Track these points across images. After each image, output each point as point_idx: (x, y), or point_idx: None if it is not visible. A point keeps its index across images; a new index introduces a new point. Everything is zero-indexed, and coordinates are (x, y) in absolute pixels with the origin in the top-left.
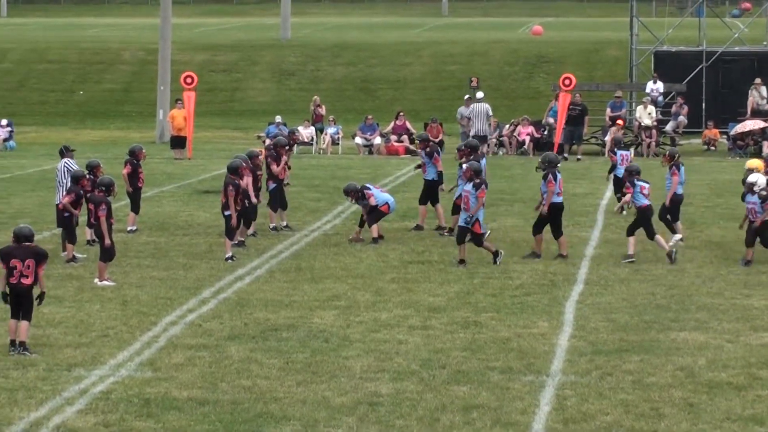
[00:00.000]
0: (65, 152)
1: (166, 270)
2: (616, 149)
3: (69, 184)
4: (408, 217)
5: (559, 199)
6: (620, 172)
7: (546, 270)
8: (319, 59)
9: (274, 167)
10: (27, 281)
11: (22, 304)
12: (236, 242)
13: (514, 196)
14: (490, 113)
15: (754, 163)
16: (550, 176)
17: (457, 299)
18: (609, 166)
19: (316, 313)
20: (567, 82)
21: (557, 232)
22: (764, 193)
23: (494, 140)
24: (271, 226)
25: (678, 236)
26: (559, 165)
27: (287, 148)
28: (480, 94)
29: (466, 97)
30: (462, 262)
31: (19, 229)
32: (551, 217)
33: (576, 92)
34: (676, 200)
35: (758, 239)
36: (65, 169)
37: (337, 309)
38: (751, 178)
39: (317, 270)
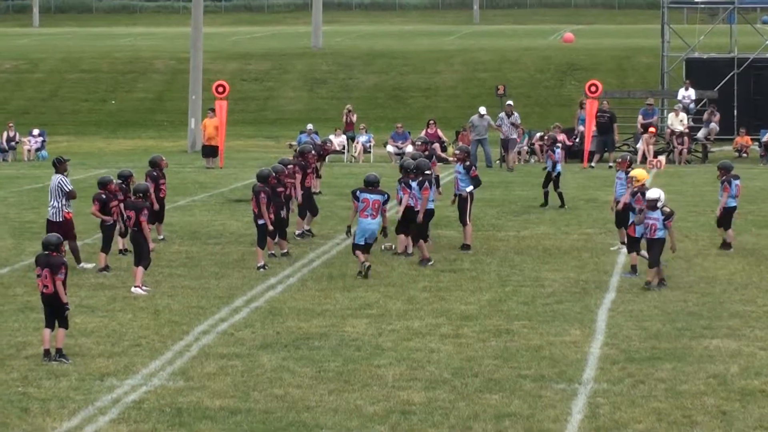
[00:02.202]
0: (58, 165)
1: (197, 279)
2: (554, 147)
3: (64, 202)
4: (439, 225)
5: (431, 206)
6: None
7: (578, 278)
8: (351, 67)
9: (298, 177)
10: (47, 290)
11: (53, 312)
12: (282, 253)
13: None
14: (492, 123)
15: (638, 172)
16: (426, 183)
17: (489, 307)
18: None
19: (348, 322)
20: (593, 89)
21: (423, 236)
22: (667, 209)
23: (526, 148)
24: (297, 232)
25: (622, 246)
26: (430, 172)
27: (316, 156)
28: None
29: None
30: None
31: (46, 238)
32: (424, 223)
33: (604, 99)
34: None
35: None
36: (59, 189)
37: (369, 317)
38: (653, 194)
39: (349, 278)
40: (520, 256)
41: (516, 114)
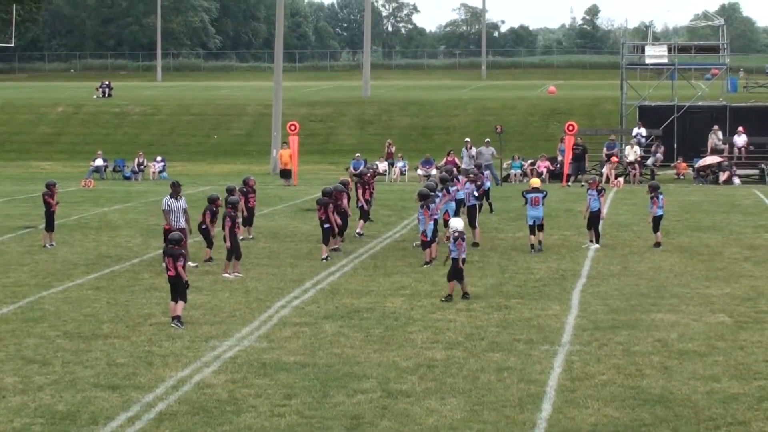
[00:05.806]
0: (174, 187)
1: (278, 267)
2: (484, 171)
3: (181, 215)
4: None
5: (436, 217)
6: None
7: (558, 267)
8: (391, 112)
9: (359, 192)
10: (170, 273)
11: (174, 289)
12: (333, 248)
13: None
14: (495, 152)
15: (533, 180)
16: (425, 207)
17: (492, 289)
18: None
19: (388, 299)
20: (570, 128)
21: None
22: (456, 234)
23: (520, 171)
24: (357, 232)
25: (591, 244)
26: (430, 198)
27: (369, 176)
28: (486, 140)
29: (467, 139)
30: (428, 263)
31: (171, 235)
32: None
33: (578, 136)
34: (595, 215)
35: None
36: (168, 205)
37: (404, 296)
38: (452, 224)
39: (389, 267)
40: (516, 252)
41: (474, 148)
